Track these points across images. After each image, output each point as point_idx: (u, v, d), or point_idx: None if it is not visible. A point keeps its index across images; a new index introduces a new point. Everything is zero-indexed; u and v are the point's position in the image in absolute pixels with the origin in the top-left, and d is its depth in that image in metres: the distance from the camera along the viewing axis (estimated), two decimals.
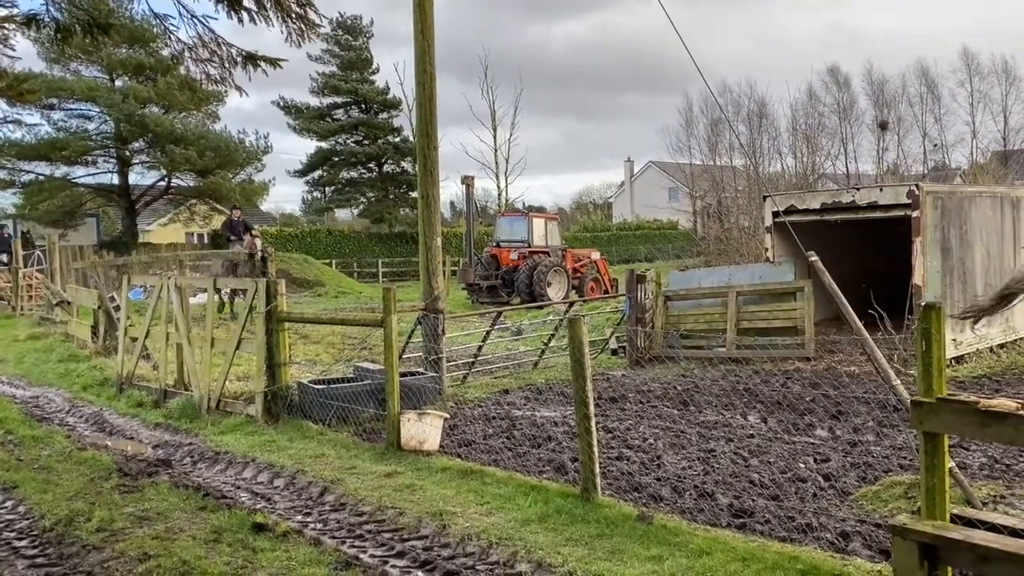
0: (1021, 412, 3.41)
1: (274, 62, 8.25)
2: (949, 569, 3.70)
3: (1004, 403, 3.51)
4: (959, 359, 11.47)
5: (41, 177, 35.77)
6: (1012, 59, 51.40)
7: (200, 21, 7.94)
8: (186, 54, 8.05)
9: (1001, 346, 12.46)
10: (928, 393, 3.69)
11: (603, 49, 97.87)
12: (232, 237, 23.04)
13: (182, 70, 8.77)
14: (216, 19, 7.81)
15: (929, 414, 3.65)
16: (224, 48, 7.99)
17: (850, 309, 5.72)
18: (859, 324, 5.63)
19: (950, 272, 11.66)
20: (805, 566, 4.51)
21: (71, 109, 35.63)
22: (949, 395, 3.69)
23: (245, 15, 7.67)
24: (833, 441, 7.63)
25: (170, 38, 8.37)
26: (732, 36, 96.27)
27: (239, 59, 8.07)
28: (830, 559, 4.64)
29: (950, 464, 3.98)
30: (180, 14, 8.04)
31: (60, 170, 36.03)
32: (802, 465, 6.83)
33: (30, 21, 7.79)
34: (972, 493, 5.30)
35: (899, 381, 5.58)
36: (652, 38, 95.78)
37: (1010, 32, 76.39)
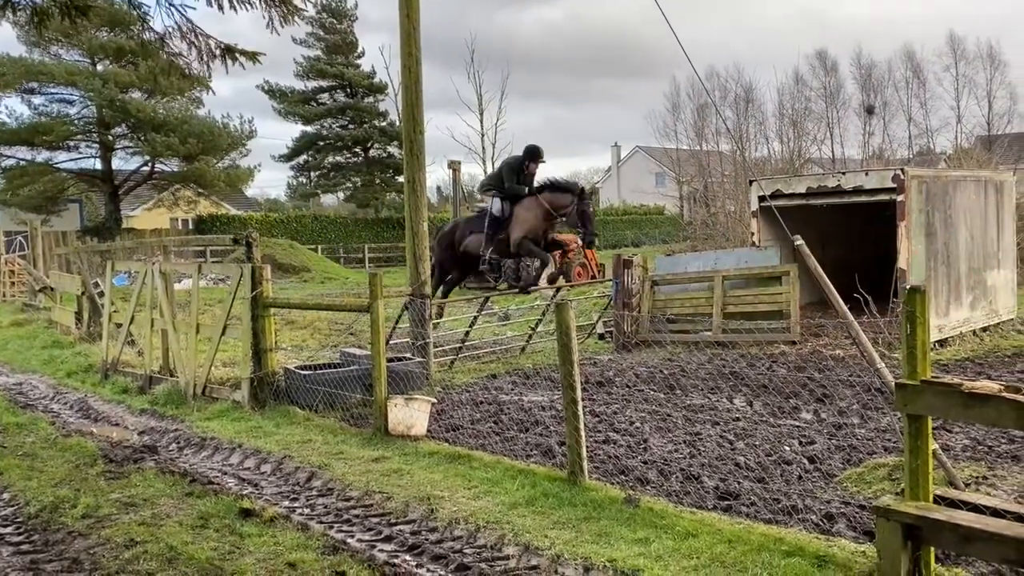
0: (1004, 394, 3.44)
1: (253, 56, 7.99)
2: (932, 549, 3.74)
3: (987, 385, 3.55)
4: (943, 342, 11.56)
5: (23, 162, 35.42)
6: (997, 44, 51.80)
7: (178, 10, 7.69)
8: (161, 44, 7.77)
9: (984, 329, 12.57)
10: (912, 376, 3.72)
11: (584, 34, 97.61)
12: None
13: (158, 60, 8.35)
14: (194, 9, 7.53)
15: (913, 396, 3.68)
16: (202, 40, 7.70)
17: (835, 293, 5.74)
18: (844, 308, 5.66)
19: (934, 256, 11.73)
20: (790, 548, 4.55)
21: (52, 93, 35.31)
22: (933, 377, 3.71)
23: (226, 2, 7.43)
24: (818, 424, 7.68)
25: (144, 27, 8.05)
26: (717, 20, 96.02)
27: (217, 52, 7.79)
28: (815, 540, 4.68)
29: (933, 446, 4.02)
30: (157, 1, 7.72)
31: (42, 155, 35.72)
32: (787, 448, 6.87)
33: (6, 4, 7.57)
34: (955, 474, 5.35)
35: (884, 364, 5.61)
36: (633, 23, 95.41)
37: (996, 16, 76.66)
